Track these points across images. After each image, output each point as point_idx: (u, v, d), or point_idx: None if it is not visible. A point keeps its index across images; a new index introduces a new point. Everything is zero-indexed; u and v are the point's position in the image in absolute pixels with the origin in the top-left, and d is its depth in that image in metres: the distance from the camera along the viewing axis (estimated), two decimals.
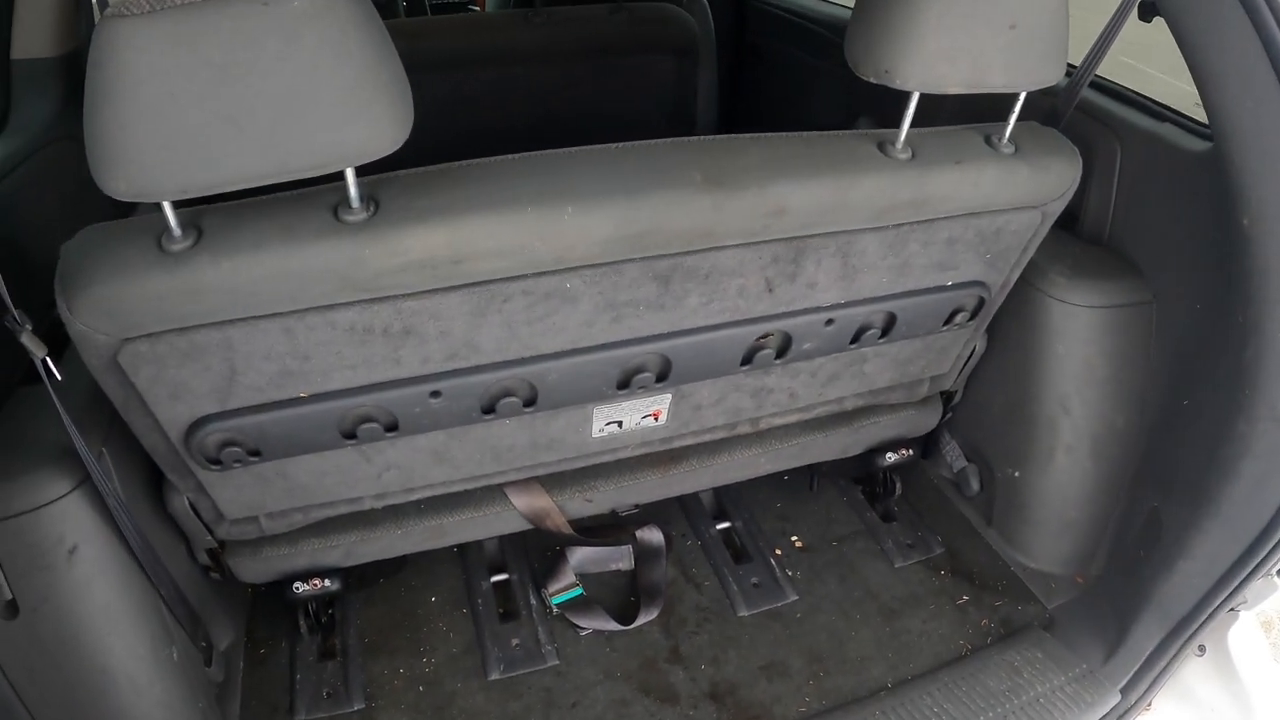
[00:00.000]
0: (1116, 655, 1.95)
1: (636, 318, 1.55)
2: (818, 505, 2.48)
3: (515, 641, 2.06)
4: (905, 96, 1.45)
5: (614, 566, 2.24)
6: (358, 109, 1.13)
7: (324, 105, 1.11)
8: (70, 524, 1.51)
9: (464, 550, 2.27)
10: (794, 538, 2.36)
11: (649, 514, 2.30)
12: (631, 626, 2.08)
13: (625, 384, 1.67)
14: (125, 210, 1.38)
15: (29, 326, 1.27)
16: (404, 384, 1.50)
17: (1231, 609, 1.83)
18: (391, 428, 1.57)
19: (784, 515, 2.44)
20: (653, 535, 2.25)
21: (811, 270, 1.60)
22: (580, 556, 2.21)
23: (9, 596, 1.49)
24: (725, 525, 2.40)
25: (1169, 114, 1.99)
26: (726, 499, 2.46)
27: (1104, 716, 1.94)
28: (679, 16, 3.03)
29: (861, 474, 2.50)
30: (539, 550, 2.28)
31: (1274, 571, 1.74)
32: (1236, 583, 1.73)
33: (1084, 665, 1.99)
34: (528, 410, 1.64)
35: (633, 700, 1.95)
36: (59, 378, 1.33)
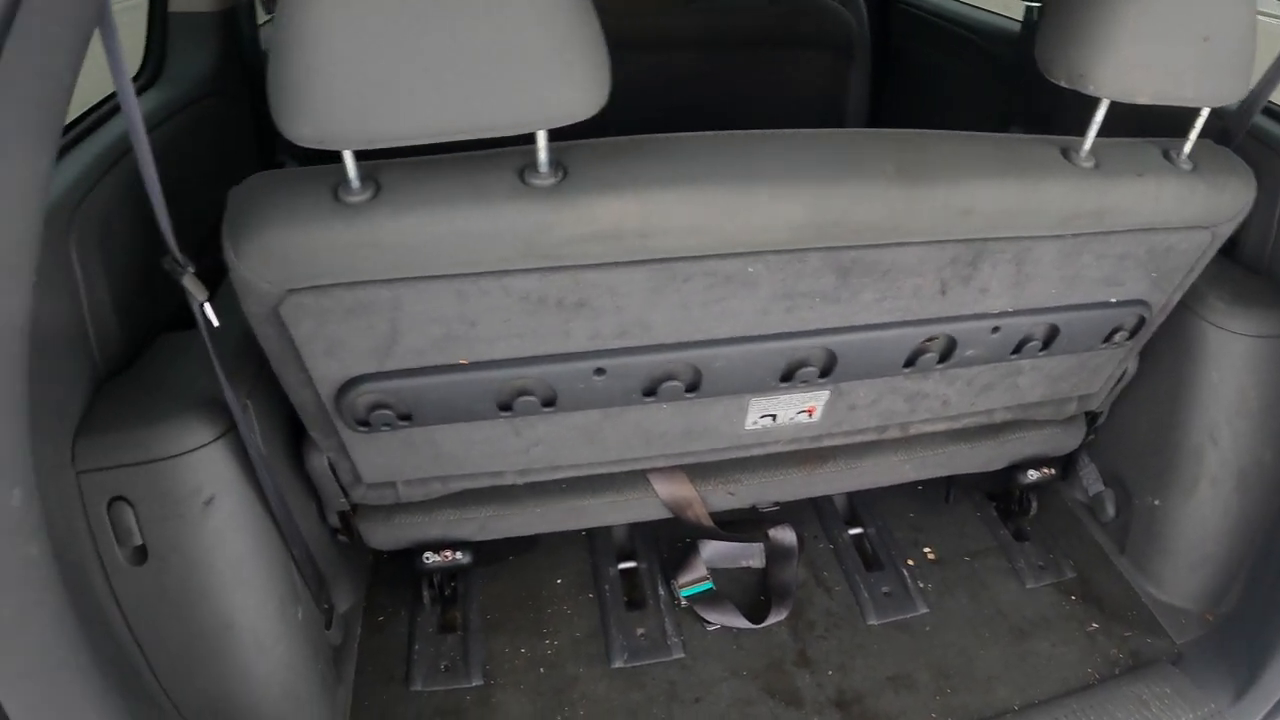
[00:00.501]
0: (1246, 696, 1.89)
1: (810, 309, 1.53)
2: (952, 518, 2.44)
3: (640, 631, 2.04)
4: (1090, 105, 1.43)
5: (745, 563, 2.22)
6: (561, 69, 1.11)
7: (527, 63, 1.09)
8: (210, 474, 1.51)
9: (592, 535, 2.26)
10: (926, 549, 2.33)
11: (781, 514, 2.27)
12: (761, 626, 2.06)
13: (789, 376, 1.65)
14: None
15: (191, 269, 1.27)
16: (569, 359, 1.49)
17: None
18: (549, 403, 1.55)
19: (917, 525, 2.40)
20: (786, 535, 2.23)
21: (986, 275, 1.57)
22: (712, 550, 2.19)
23: (139, 542, 1.48)
24: (857, 531, 2.37)
25: None
26: (860, 504, 2.43)
27: None
28: (838, 13, 2.95)
29: (998, 489, 2.45)
30: (668, 540, 2.26)
31: None
32: None
33: (1212, 705, 1.92)
34: (689, 396, 1.62)
35: (757, 700, 1.92)
36: (216, 324, 1.33)
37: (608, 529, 2.25)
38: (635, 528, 2.26)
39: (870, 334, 1.61)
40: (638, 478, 1.97)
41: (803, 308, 1.53)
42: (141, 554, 1.49)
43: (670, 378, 1.57)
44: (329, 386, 1.46)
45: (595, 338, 1.46)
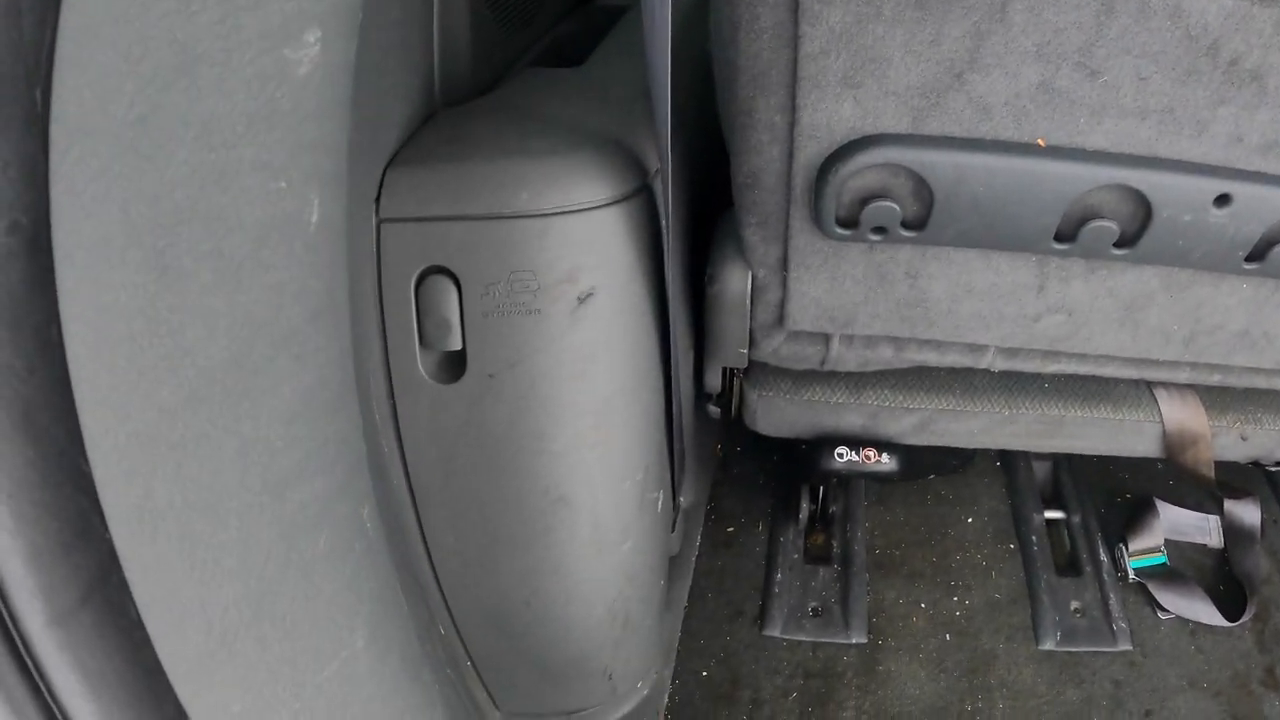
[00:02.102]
0: None
1: None
2: None
3: (1075, 605, 1.54)
4: None
5: (1198, 539, 1.68)
6: None
7: None
8: (596, 252, 1.02)
9: (1009, 465, 1.75)
10: None
11: (1240, 481, 1.73)
12: (1235, 624, 1.54)
13: None
14: None
15: None
16: (1195, 170, 0.96)
17: None
18: (1126, 242, 1.04)
19: None
20: (1247, 511, 1.68)
21: None
22: (1174, 515, 1.68)
23: (456, 345, 1.02)
24: None
25: None
26: None
27: None
28: None
29: None
30: (1105, 490, 1.74)
31: None
32: None
33: None
34: None
35: None
36: None
37: (1027, 461, 1.74)
38: (1060, 465, 1.75)
39: None
40: (1141, 392, 1.43)
41: None
42: (457, 364, 1.03)
43: None
44: (821, 145, 0.98)
45: (1241, 140, 0.94)
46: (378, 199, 0.97)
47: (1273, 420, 1.46)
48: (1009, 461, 1.75)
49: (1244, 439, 1.48)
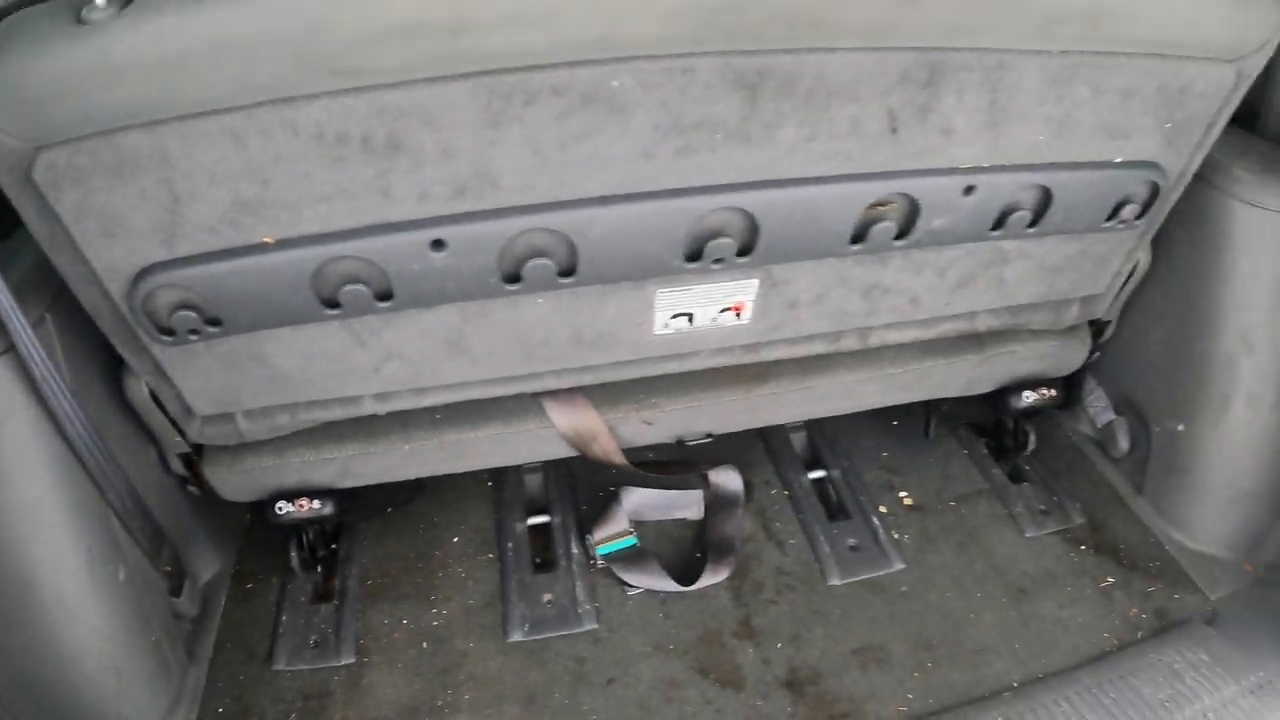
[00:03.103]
0: None
1: (712, 152, 1.23)
2: (933, 457, 2.12)
3: (548, 597, 1.75)
4: None
5: (679, 514, 1.90)
6: None
7: None
8: None
9: (499, 484, 1.97)
10: (902, 494, 2.01)
11: (726, 452, 1.95)
12: (694, 588, 1.74)
13: (697, 254, 1.34)
14: None
15: None
16: (397, 228, 1.21)
17: None
18: (384, 295, 1.28)
19: (891, 466, 2.08)
20: (729, 479, 1.91)
21: (950, 106, 1.27)
22: (638, 499, 1.89)
23: None
24: (819, 474, 2.06)
25: None
26: (822, 442, 2.12)
27: None
28: None
29: (988, 421, 2.16)
30: (590, 490, 1.95)
31: None
32: None
33: (1261, 673, 1.62)
34: (566, 282, 1.32)
35: (686, 682, 1.61)
36: None
37: (518, 475, 1.96)
38: (551, 474, 1.97)
39: (800, 190, 1.30)
40: (528, 404, 1.64)
41: (701, 148, 1.22)
42: None
43: (537, 254, 1.28)
44: (119, 282, 1.22)
45: (425, 199, 1.19)
46: None
47: (668, 403, 1.68)
48: (498, 477, 1.94)
49: (648, 424, 1.69)
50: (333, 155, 1.11)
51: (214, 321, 1.26)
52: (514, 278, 1.28)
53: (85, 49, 1.00)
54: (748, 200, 1.28)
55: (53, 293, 1.35)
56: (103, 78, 1.02)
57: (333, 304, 1.26)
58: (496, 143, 1.14)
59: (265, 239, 1.19)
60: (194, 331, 1.26)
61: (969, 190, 1.37)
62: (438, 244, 1.22)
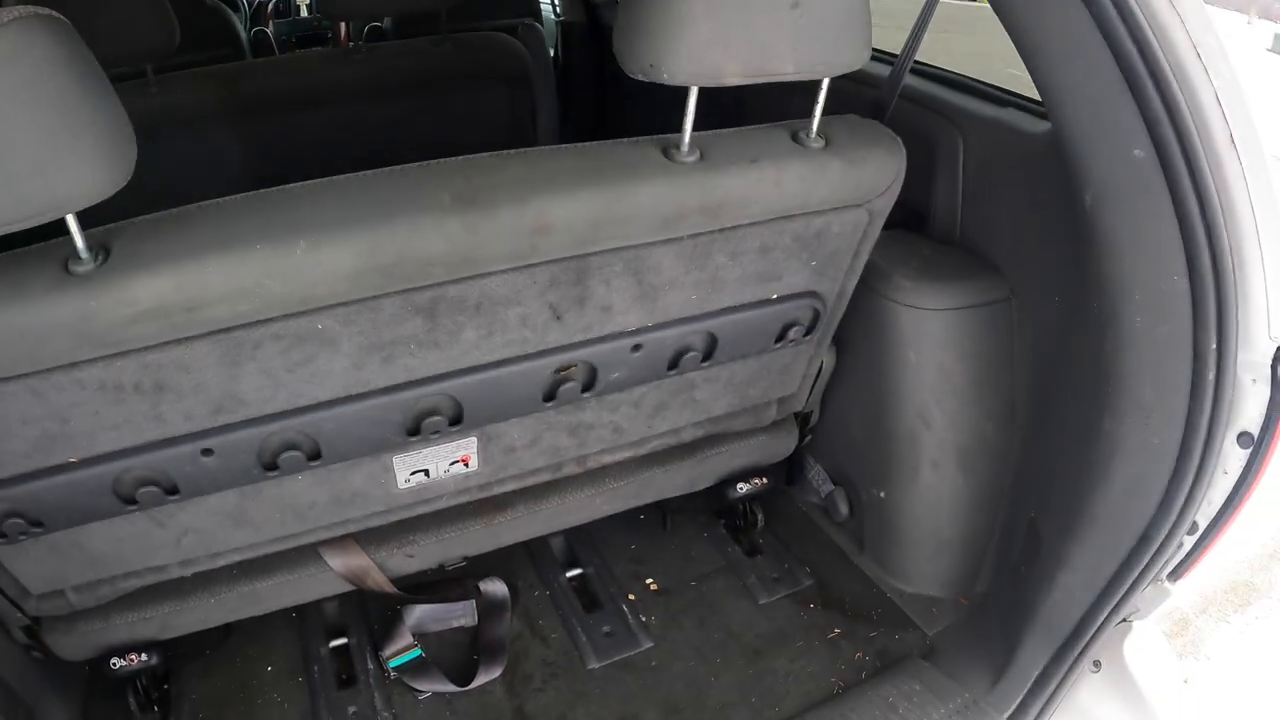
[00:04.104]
0: (1003, 680, 1.83)
1: (411, 356, 1.44)
2: (675, 544, 2.33)
3: (353, 709, 1.92)
4: (700, 98, 1.35)
5: (456, 623, 2.10)
6: (65, 151, 1.06)
7: (27, 150, 1.04)
8: None
9: (302, 614, 2.13)
10: (649, 580, 2.22)
11: (493, 565, 2.16)
12: (472, 686, 1.94)
13: (416, 430, 1.55)
14: None
15: None
16: (172, 443, 1.42)
17: (1123, 619, 1.71)
18: (172, 491, 1.48)
19: (638, 558, 2.30)
20: (496, 587, 2.12)
21: (602, 292, 1.49)
22: (419, 615, 2.08)
23: None
24: (577, 572, 2.26)
25: (1012, 98, 1.92)
26: (577, 544, 2.32)
27: None
28: (507, 44, 2.93)
29: (720, 506, 2.35)
30: (379, 611, 2.13)
31: (1163, 577, 1.62)
32: (1121, 592, 1.61)
33: (967, 694, 1.86)
34: (315, 464, 1.53)
35: None
36: None
37: (318, 606, 2.12)
38: (345, 601, 2.14)
39: (487, 374, 1.53)
40: (308, 553, 1.85)
41: (401, 356, 1.44)
42: None
43: (288, 448, 1.49)
44: None
45: (190, 418, 1.39)
46: None
47: (423, 538, 1.92)
48: (300, 608, 2.10)
49: (411, 556, 1.93)
50: (114, 399, 1.30)
51: (37, 524, 1.44)
52: (273, 466, 1.50)
53: None
54: (447, 387, 1.50)
55: None
56: None
57: (130, 500, 1.46)
58: (238, 376, 1.35)
59: (70, 459, 1.37)
60: (22, 534, 1.44)
61: (636, 348, 1.59)
62: (207, 451, 1.43)
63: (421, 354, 1.44)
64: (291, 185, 1.31)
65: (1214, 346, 1.35)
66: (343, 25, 3.22)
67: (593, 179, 1.37)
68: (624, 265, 1.47)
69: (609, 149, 1.43)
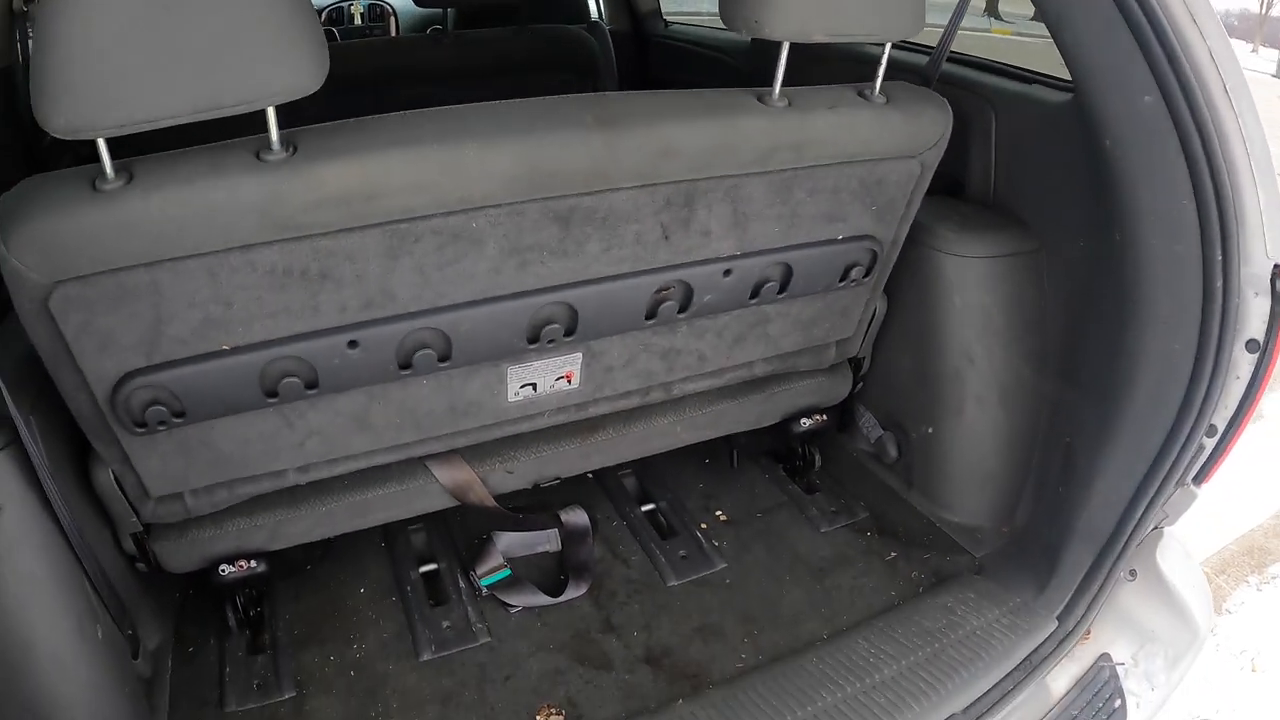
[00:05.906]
0: (1049, 587, 1.97)
1: (541, 264, 1.61)
2: (741, 482, 2.52)
3: (446, 624, 2.04)
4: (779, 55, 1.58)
5: (541, 548, 2.25)
6: (284, 49, 1.22)
7: (252, 45, 1.20)
8: None
9: (390, 542, 2.26)
10: (719, 512, 2.40)
11: (573, 497, 2.33)
12: (561, 600, 2.09)
13: (535, 337, 1.72)
14: None
15: None
16: (322, 334, 1.54)
17: (1155, 527, 1.87)
18: (312, 384, 1.60)
19: (708, 494, 2.48)
20: (578, 516, 2.28)
21: (704, 217, 1.68)
22: (507, 541, 2.22)
23: None
24: (650, 507, 2.44)
25: (1035, 76, 2.12)
26: (649, 482, 2.50)
27: (1043, 643, 1.93)
28: (579, 36, 3.29)
29: (781, 448, 2.56)
30: (465, 538, 2.28)
31: (1188, 480, 1.78)
32: (1150, 494, 1.77)
33: (1018, 599, 2.00)
34: (443, 366, 1.68)
35: (567, 669, 1.94)
36: None
37: (405, 535, 2.26)
38: (431, 531, 2.28)
39: (604, 286, 1.70)
40: (416, 466, 1.99)
41: (533, 263, 1.61)
42: None
43: (422, 346, 1.63)
44: (104, 386, 1.47)
45: (344, 310, 1.52)
46: None
47: (523, 455, 2.08)
48: (390, 538, 2.25)
49: (510, 473, 2.08)
50: (280, 284, 1.42)
51: (179, 414, 1.52)
52: (407, 365, 1.64)
53: (104, 212, 1.25)
54: (568, 296, 1.66)
55: (34, 395, 1.55)
56: (117, 231, 1.27)
57: (272, 394, 1.57)
58: (394, 269, 1.49)
59: (224, 345, 1.48)
60: (161, 423, 1.51)
61: (727, 273, 1.77)
62: (352, 344, 1.56)
63: (551, 262, 1.61)
64: (455, 105, 1.50)
65: (1219, 259, 1.57)
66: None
67: (708, 113, 1.59)
68: (724, 193, 1.66)
69: (716, 94, 1.64)
